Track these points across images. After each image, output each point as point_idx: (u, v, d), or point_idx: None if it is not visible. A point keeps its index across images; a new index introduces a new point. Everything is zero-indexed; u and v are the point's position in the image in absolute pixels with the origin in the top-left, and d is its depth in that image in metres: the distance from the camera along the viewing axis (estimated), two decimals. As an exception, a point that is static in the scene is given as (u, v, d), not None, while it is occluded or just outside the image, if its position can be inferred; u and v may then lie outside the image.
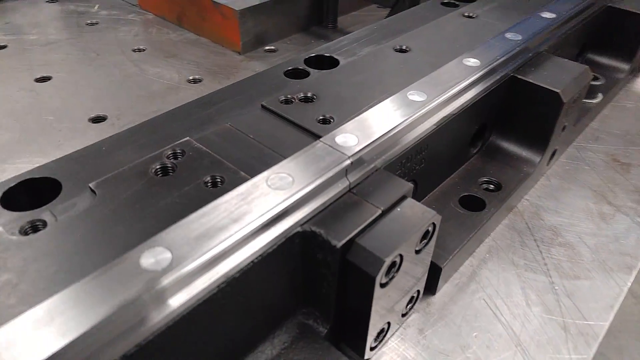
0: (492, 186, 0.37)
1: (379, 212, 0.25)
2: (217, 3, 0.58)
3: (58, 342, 0.16)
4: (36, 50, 0.58)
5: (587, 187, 0.41)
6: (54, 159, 0.27)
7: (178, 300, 0.19)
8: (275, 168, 0.25)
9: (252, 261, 0.22)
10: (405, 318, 0.30)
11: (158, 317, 0.18)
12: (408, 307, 0.29)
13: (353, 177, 0.26)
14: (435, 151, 0.34)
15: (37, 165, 0.27)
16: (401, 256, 0.24)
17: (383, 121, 0.29)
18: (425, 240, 0.26)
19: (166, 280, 0.19)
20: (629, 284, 0.33)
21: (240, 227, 0.21)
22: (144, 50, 0.59)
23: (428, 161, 0.33)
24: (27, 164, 0.41)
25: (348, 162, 0.25)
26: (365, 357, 0.27)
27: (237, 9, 0.56)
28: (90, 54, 0.57)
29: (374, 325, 0.26)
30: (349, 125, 0.28)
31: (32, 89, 0.51)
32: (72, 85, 0.51)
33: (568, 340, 0.29)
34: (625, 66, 0.54)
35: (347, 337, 0.27)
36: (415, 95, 0.31)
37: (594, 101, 0.49)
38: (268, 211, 0.22)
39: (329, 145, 0.26)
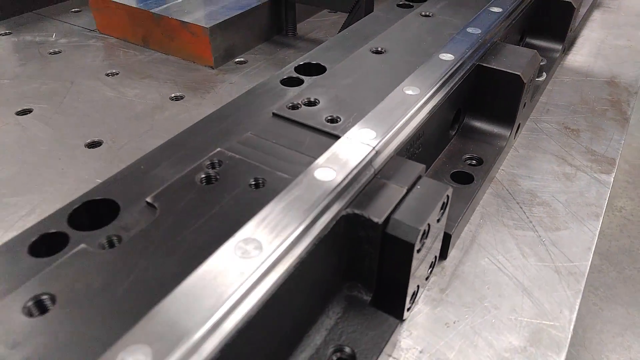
0: (474, 161, 0.43)
1: (405, 190, 0.29)
2: (185, 22, 0.60)
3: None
4: (7, 85, 0.58)
5: (549, 153, 0.47)
6: (66, 186, 0.29)
7: (270, 281, 0.22)
8: (318, 162, 0.28)
9: (314, 244, 0.25)
10: (427, 281, 0.34)
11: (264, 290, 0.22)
12: (429, 271, 0.34)
13: (377, 165, 0.30)
14: (428, 136, 0.39)
15: (49, 194, 0.29)
16: (429, 225, 0.29)
17: (390, 115, 0.33)
18: (442, 210, 0.31)
19: (263, 268, 0.22)
20: (599, 227, 0.39)
21: (306, 216, 0.25)
22: (117, 73, 0.60)
23: (424, 146, 0.38)
24: (38, 193, 0.42)
25: (373, 152, 0.29)
26: (403, 318, 0.31)
27: (207, 26, 0.59)
28: (64, 82, 0.58)
29: (410, 288, 0.30)
30: (363, 121, 0.32)
31: (17, 123, 0.51)
32: (57, 115, 0.52)
33: (561, 280, 0.35)
34: (558, 46, 0.62)
35: (386, 303, 0.31)
36: (410, 90, 0.36)
37: (540, 79, 0.56)
38: (323, 200, 0.26)
39: (353, 140, 0.30)
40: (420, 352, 0.30)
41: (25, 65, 0.62)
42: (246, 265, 0.22)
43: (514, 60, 0.44)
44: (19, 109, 0.53)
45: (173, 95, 0.56)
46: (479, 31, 0.45)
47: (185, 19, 0.60)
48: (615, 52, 0.67)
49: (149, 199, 0.28)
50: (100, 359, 0.18)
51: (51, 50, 0.65)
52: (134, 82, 0.59)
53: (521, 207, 0.41)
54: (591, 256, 0.36)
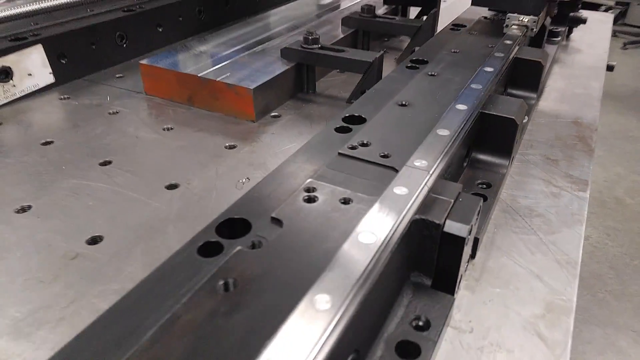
0: (485, 185, 0.55)
1: (452, 201, 0.41)
2: (231, 85, 0.72)
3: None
4: (83, 141, 0.68)
5: (537, 177, 0.60)
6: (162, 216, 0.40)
7: (381, 262, 0.33)
8: (393, 184, 0.40)
9: (399, 239, 0.36)
10: (465, 270, 0.45)
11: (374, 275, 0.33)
12: (466, 265, 0.45)
13: (430, 184, 0.42)
14: (452, 166, 0.51)
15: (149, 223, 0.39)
16: (472, 225, 0.40)
17: (433, 150, 0.45)
18: (477, 216, 0.43)
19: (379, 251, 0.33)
20: (583, 230, 0.51)
21: (397, 218, 0.36)
22: (172, 128, 0.71)
23: (450, 173, 0.50)
24: (137, 227, 0.51)
25: (429, 175, 0.41)
26: (454, 297, 0.42)
27: (250, 87, 0.71)
28: (131, 137, 0.68)
29: (460, 273, 0.41)
30: (416, 154, 0.44)
31: (103, 172, 0.61)
32: (135, 163, 0.62)
33: (562, 268, 0.47)
34: (533, 95, 0.77)
35: (442, 285, 0.42)
36: (442, 132, 0.48)
37: (524, 121, 0.70)
38: (405, 208, 0.37)
39: (413, 168, 0.42)
40: (470, 321, 0.41)
41: (94, 124, 0.72)
42: (368, 247, 0.33)
43: (507, 107, 0.57)
44: (101, 161, 0.63)
45: (227, 144, 0.67)
46: (480, 86, 0.58)
47: (229, 82, 0.73)
48: (575, 98, 0.83)
49: (274, 214, 0.38)
50: (304, 298, 0.28)
51: (110, 111, 0.76)
52: (189, 134, 0.70)
53: (523, 219, 0.53)
54: (581, 250, 0.49)
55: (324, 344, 0.27)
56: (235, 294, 0.31)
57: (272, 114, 0.76)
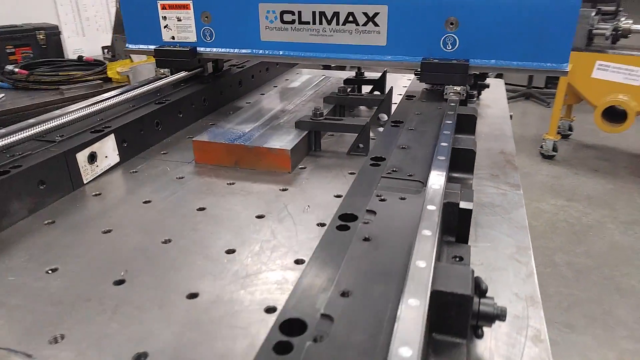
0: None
1: (459, 192, 0.72)
2: (273, 148, 1.01)
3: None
4: (170, 199, 0.91)
5: (489, 186, 0.94)
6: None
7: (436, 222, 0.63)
8: (429, 185, 0.71)
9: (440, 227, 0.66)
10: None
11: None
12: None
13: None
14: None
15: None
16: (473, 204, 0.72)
17: (440, 172, 0.77)
18: (473, 200, 0.74)
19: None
20: (524, 210, 0.85)
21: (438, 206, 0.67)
22: (234, 183, 0.98)
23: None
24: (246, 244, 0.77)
25: (444, 180, 0.73)
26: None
27: (288, 149, 1.00)
28: (205, 194, 0.94)
29: (469, 231, 0.72)
30: (432, 174, 0.76)
31: (195, 219, 0.86)
32: (222, 211, 0.88)
33: (519, 230, 0.79)
34: (472, 137, 1.13)
35: (462, 240, 0.72)
36: (441, 157, 0.80)
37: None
38: (440, 196, 0.68)
39: (435, 183, 0.73)
40: (479, 260, 0.72)
41: (173, 187, 0.96)
42: (429, 232, 0.63)
43: (467, 142, 0.92)
44: (198, 207, 0.88)
45: (280, 188, 0.95)
46: (449, 132, 0.92)
47: (270, 146, 1.01)
48: (497, 137, 1.21)
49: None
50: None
51: (176, 177, 1.01)
52: (249, 185, 0.96)
53: (489, 208, 0.86)
54: (526, 221, 0.82)
55: None
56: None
57: (300, 166, 1.05)
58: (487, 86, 1.49)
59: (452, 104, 1.10)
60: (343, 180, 0.98)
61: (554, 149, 4.10)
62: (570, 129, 4.53)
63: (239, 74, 1.60)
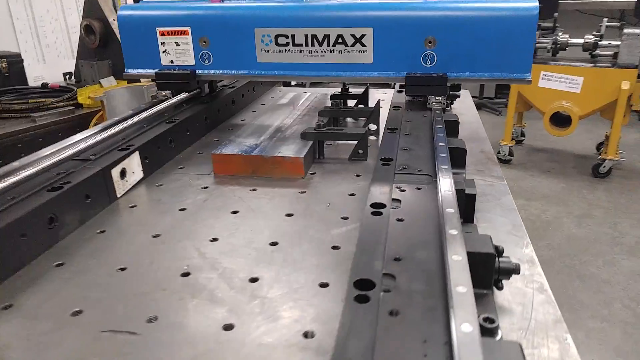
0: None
1: (463, 181, 0.87)
2: (288, 157, 1.13)
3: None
4: (207, 202, 1.02)
5: (478, 179, 1.10)
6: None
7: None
8: (440, 176, 0.85)
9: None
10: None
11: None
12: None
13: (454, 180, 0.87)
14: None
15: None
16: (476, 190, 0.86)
17: (446, 168, 0.92)
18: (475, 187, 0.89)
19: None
20: (510, 195, 1.01)
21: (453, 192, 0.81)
22: (256, 189, 1.09)
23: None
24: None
25: (449, 178, 0.87)
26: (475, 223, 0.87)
27: (301, 156, 1.13)
28: (234, 198, 1.05)
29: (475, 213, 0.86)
30: (440, 173, 0.90)
31: (234, 221, 0.97)
32: (254, 213, 0.99)
33: (510, 211, 0.95)
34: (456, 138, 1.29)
35: (469, 220, 0.86)
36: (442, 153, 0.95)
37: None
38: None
39: (445, 174, 0.88)
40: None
41: (202, 195, 1.06)
42: (452, 210, 0.77)
43: (459, 142, 1.07)
44: (231, 211, 0.98)
45: (298, 191, 1.07)
46: (442, 134, 1.07)
47: (284, 155, 1.13)
48: (475, 139, 1.38)
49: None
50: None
51: (200, 187, 1.11)
52: (271, 190, 1.07)
53: (482, 197, 1.01)
54: (514, 204, 0.97)
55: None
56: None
57: (310, 172, 1.17)
58: (459, 96, 1.67)
59: (438, 112, 1.26)
60: (352, 182, 1.11)
61: (510, 154, 4.40)
62: (523, 134, 4.87)
63: (232, 93, 1.72)
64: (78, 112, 3.19)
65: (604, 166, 3.98)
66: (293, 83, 2.85)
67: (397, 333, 0.50)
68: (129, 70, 1.58)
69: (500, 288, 0.68)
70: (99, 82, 3.44)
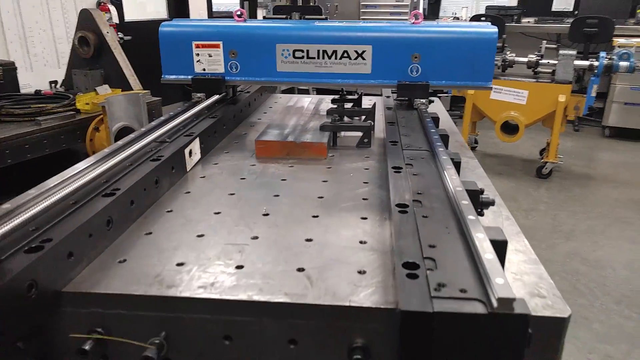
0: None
1: (456, 160, 1.24)
2: (315, 142, 1.48)
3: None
4: (257, 181, 1.35)
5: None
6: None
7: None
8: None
9: (446, 162, 1.18)
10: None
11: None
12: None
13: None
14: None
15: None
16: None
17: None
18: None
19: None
20: (481, 169, 1.40)
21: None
22: (292, 165, 1.43)
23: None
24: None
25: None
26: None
27: (324, 142, 1.48)
28: (291, 172, 1.38)
29: (459, 177, 1.24)
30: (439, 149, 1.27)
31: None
32: (301, 182, 1.33)
33: (483, 179, 1.33)
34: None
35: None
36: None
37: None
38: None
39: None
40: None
41: (252, 171, 1.39)
42: (452, 167, 1.14)
43: (442, 131, 1.45)
44: (281, 179, 1.32)
45: (326, 167, 1.42)
46: (434, 130, 1.45)
47: (313, 141, 1.48)
48: (450, 133, 1.78)
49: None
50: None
51: (249, 165, 1.44)
52: (303, 167, 1.42)
53: (463, 170, 1.39)
54: (484, 172, 1.36)
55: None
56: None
57: (329, 155, 1.53)
58: (433, 101, 2.07)
59: (423, 110, 1.65)
60: (364, 160, 1.47)
61: (466, 159, 4.90)
62: (476, 142, 5.41)
63: (248, 97, 2.05)
64: (78, 117, 3.41)
65: (546, 168, 4.54)
66: (279, 89, 3.19)
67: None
68: (166, 77, 1.88)
69: (482, 215, 1.05)
70: (95, 90, 3.65)
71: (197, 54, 1.83)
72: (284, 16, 2.00)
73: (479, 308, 0.63)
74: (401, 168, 1.14)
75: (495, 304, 0.62)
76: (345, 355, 0.78)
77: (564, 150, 5.03)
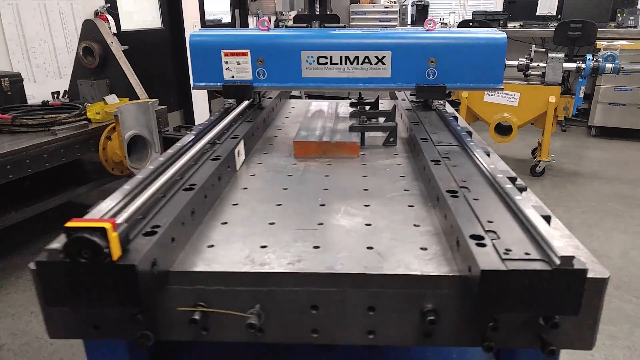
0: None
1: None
2: (348, 142, 1.61)
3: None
4: (312, 172, 1.47)
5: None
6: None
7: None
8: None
9: (478, 154, 1.32)
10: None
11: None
12: (484, 170, 1.42)
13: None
14: (463, 146, 1.49)
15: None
16: (487, 153, 1.38)
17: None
18: (485, 153, 1.41)
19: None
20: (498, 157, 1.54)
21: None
22: (330, 164, 1.56)
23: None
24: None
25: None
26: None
27: (357, 141, 1.61)
28: (318, 169, 1.51)
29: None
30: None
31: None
32: (337, 175, 1.46)
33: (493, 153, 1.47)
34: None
35: (484, 173, 1.37)
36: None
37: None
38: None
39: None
40: (494, 181, 1.38)
41: (295, 169, 1.51)
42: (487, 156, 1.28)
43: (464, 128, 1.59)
44: (324, 175, 1.44)
45: (361, 164, 1.55)
46: (459, 126, 1.59)
47: (345, 140, 1.61)
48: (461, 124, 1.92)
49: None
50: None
51: (291, 164, 1.56)
52: (342, 164, 1.55)
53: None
54: (493, 151, 1.50)
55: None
56: (458, 166, 1.22)
57: (361, 153, 1.65)
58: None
59: (442, 110, 1.79)
60: (394, 158, 1.60)
61: (461, 159, 5.07)
62: (469, 143, 5.58)
63: (271, 102, 2.17)
64: (91, 127, 3.49)
65: (539, 167, 4.74)
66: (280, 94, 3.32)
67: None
68: (196, 84, 2.00)
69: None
70: (103, 99, 3.74)
71: (226, 62, 1.95)
72: (305, 25, 2.11)
73: (544, 266, 0.76)
74: (440, 161, 1.28)
75: (557, 261, 0.75)
76: (416, 319, 0.91)
77: (554, 149, 5.24)
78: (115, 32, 5.23)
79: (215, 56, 1.95)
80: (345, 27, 2.11)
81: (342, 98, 2.27)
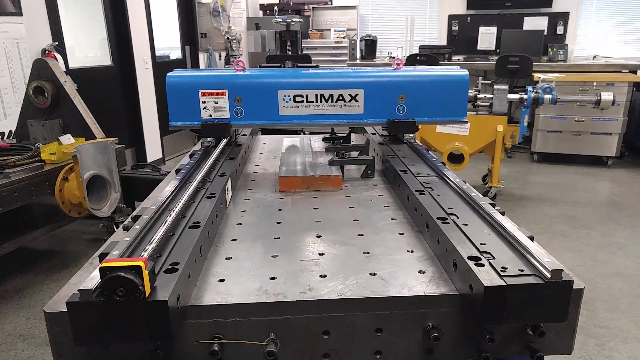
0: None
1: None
2: (333, 175, 1.70)
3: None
4: (301, 206, 1.54)
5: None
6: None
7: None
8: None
9: (456, 183, 1.43)
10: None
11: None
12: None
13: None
14: (438, 176, 1.61)
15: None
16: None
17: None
18: (460, 181, 1.53)
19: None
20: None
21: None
22: (317, 197, 1.63)
23: (440, 178, 1.60)
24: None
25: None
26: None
27: (339, 175, 1.70)
28: (308, 198, 1.58)
29: (463, 195, 1.49)
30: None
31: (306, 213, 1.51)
32: (326, 203, 1.53)
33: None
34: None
35: (461, 200, 1.49)
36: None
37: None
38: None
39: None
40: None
41: (282, 203, 1.58)
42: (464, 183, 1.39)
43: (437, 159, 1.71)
44: (313, 207, 1.52)
45: (346, 196, 1.63)
46: (429, 155, 1.72)
47: (328, 174, 1.70)
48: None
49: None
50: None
51: (278, 198, 1.62)
52: (328, 197, 1.63)
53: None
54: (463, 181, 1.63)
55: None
56: (441, 195, 1.33)
57: (343, 186, 1.74)
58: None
59: (414, 143, 1.92)
60: (374, 190, 1.70)
61: (418, 187, 5.28)
62: (424, 172, 5.82)
63: (246, 139, 2.24)
64: (46, 168, 3.39)
65: (491, 192, 5.01)
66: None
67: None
68: (173, 123, 2.03)
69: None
70: (58, 140, 3.64)
71: (204, 102, 2.01)
72: (278, 65, 2.22)
73: (537, 280, 0.87)
74: (423, 190, 1.38)
75: (548, 275, 0.86)
76: (419, 337, 0.98)
77: (502, 175, 5.56)
78: (64, 70, 5.15)
79: (192, 96, 2.00)
80: (317, 66, 2.23)
81: (314, 133, 2.37)
